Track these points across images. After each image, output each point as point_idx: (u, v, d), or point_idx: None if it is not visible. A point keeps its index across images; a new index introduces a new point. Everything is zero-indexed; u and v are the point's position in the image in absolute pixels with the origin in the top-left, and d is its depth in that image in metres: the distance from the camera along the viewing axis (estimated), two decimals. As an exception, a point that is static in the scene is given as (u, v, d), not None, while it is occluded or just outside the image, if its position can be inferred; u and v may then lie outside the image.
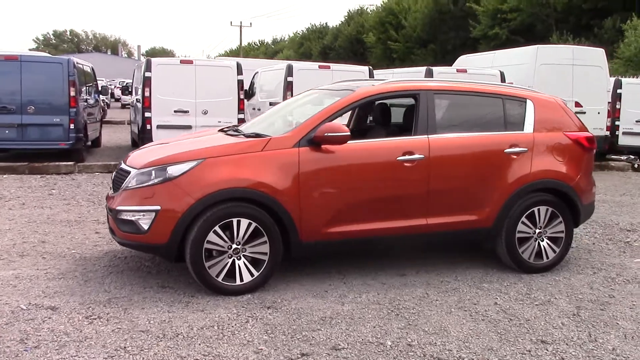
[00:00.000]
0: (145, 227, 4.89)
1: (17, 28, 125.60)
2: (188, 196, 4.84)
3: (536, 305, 4.96)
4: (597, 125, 13.91)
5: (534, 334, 4.34)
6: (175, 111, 12.36)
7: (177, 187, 4.89)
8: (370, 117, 6.98)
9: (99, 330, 4.20)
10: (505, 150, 5.71)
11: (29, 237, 6.67)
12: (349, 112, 7.25)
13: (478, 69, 14.04)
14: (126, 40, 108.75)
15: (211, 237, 4.89)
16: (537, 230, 5.83)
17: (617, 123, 14.79)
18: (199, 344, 4.01)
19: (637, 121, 14.92)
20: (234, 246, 4.97)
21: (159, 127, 12.25)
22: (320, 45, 66.88)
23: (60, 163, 11.56)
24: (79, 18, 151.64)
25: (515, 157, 5.73)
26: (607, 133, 14.24)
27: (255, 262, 5.05)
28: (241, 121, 12.29)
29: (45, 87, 11.85)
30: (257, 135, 5.40)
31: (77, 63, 12.65)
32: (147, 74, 12.26)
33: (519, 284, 5.51)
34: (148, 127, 12.27)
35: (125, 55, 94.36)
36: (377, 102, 6.49)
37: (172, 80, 12.35)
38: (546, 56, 13.72)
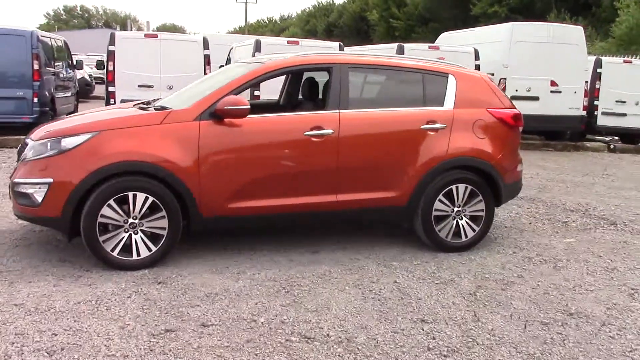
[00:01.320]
0: (39, 199, 4.82)
1: (28, 3, 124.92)
2: (81, 169, 4.76)
3: (436, 284, 4.86)
4: (573, 104, 13.71)
5: (417, 314, 4.25)
6: (139, 86, 12.26)
7: (70, 159, 4.80)
8: (300, 91, 6.84)
9: (-28, 302, 4.15)
10: (421, 127, 5.57)
11: (-46, 210, 6.64)
12: (281, 87, 7.15)
13: (453, 46, 13.78)
14: (136, 17, 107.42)
15: (105, 210, 4.80)
16: (456, 209, 5.71)
17: (595, 103, 14.51)
18: (67, 319, 3.95)
19: (617, 101, 14.64)
20: (130, 220, 4.89)
21: (122, 101, 12.04)
22: (325, 23, 66.26)
23: (22, 137, 11.49)
24: None
25: (431, 133, 5.59)
26: (584, 113, 13.97)
27: (153, 237, 4.98)
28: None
29: (9, 59, 11.76)
30: (163, 109, 5.29)
31: (41, 36, 12.53)
32: (111, 48, 12.22)
33: (430, 262, 5.40)
34: (112, 101, 12.20)
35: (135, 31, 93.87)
36: (305, 76, 6.35)
37: (136, 55, 12.28)
38: (522, 34, 13.43)
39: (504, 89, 11.81)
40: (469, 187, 5.71)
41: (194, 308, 4.21)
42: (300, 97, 6.69)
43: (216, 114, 5.02)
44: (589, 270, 5.38)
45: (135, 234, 4.91)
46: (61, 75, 13.95)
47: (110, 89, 12.16)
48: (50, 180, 4.78)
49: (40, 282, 4.60)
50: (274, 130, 5.25)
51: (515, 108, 6.09)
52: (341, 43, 13.51)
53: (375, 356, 3.61)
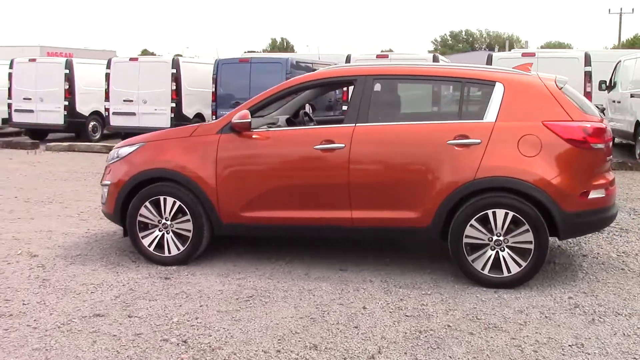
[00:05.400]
0: (104, 199, 5.86)
1: (416, 30, 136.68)
2: (125, 174, 5.63)
3: (407, 316, 4.35)
4: None
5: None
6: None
7: (122, 165, 5.71)
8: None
9: None
10: (448, 142, 4.97)
11: None
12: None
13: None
14: (519, 37, 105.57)
15: (143, 211, 5.58)
16: (495, 238, 4.93)
17: None
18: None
19: None
20: (163, 221, 5.57)
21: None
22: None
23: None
24: (475, 18, 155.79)
25: (459, 149, 4.94)
26: None
27: (182, 238, 5.56)
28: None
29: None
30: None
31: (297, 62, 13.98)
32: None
33: (444, 296, 4.80)
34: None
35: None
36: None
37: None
38: None
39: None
40: (510, 214, 4.86)
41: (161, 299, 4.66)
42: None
43: (232, 128, 5.37)
44: None
45: (167, 233, 5.56)
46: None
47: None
48: (109, 182, 5.77)
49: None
50: (286, 143, 5.36)
51: (594, 121, 4.94)
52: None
53: None
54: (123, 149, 5.81)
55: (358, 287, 4.98)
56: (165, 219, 5.54)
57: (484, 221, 4.92)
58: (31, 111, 16.37)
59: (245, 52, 30.04)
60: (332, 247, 6.05)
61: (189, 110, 15.30)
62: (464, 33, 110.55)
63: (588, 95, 11.94)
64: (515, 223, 4.87)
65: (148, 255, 5.62)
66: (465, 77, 5.18)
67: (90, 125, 16.54)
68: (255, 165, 5.38)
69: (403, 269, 5.41)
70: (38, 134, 17.14)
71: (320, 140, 5.21)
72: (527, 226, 4.85)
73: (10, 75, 16.43)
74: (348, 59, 13.14)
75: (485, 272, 4.96)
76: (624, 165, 11.48)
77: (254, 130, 5.40)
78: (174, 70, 14.96)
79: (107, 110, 15.44)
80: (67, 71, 16.05)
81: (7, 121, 17.04)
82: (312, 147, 5.22)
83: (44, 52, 29.09)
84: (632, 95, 12.88)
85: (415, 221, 5.07)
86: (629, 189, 9.45)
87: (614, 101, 14.46)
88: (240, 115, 5.30)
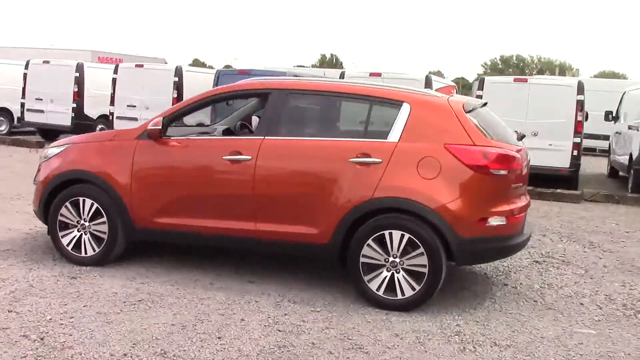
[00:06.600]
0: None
1: (467, 52, 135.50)
2: (50, 174, 5.77)
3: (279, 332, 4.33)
4: None
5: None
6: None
7: (49, 164, 5.86)
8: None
9: None
10: (349, 160, 4.95)
11: None
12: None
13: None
14: (571, 64, 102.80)
15: (63, 211, 5.70)
16: (390, 259, 4.87)
17: None
18: None
19: None
20: (82, 222, 5.68)
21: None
22: None
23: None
24: (527, 43, 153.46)
25: (360, 167, 4.91)
26: None
27: (99, 239, 5.66)
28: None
29: None
30: (136, 129, 5.96)
31: None
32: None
33: (331, 319, 4.76)
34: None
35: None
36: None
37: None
38: None
39: None
40: (407, 235, 4.80)
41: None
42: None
43: (148, 134, 5.46)
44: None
45: (85, 234, 5.65)
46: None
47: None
48: (37, 180, 5.92)
49: (8, 260, 5.75)
50: (198, 152, 5.43)
51: (498, 147, 4.85)
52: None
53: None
54: (52, 149, 5.96)
55: (252, 299, 4.97)
56: (84, 219, 5.65)
57: (381, 242, 4.87)
58: (42, 111, 16.89)
59: (295, 67, 30.14)
60: (256, 258, 6.04)
61: (190, 120, 15.51)
62: (514, 58, 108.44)
63: (579, 123, 11.71)
64: (412, 245, 4.81)
65: (66, 254, 5.73)
66: (373, 96, 5.16)
67: (97, 128, 16.94)
68: (167, 172, 5.45)
69: (311, 285, 5.37)
70: (50, 134, 17.64)
71: (229, 151, 5.26)
72: (422, 249, 4.77)
73: (25, 75, 17.00)
74: (342, 76, 13.20)
75: (380, 293, 4.89)
76: (611, 198, 11.16)
77: (171, 137, 5.49)
78: (177, 79, 15.23)
79: (111, 114, 15.80)
80: (77, 74, 16.52)
81: (20, 120, 17.62)
82: (221, 157, 5.27)
83: (95, 57, 29.27)
84: (629, 127, 12.55)
85: (316, 237, 5.05)
86: (603, 222, 9.17)
87: (617, 133, 14.10)
88: (154, 122, 5.39)
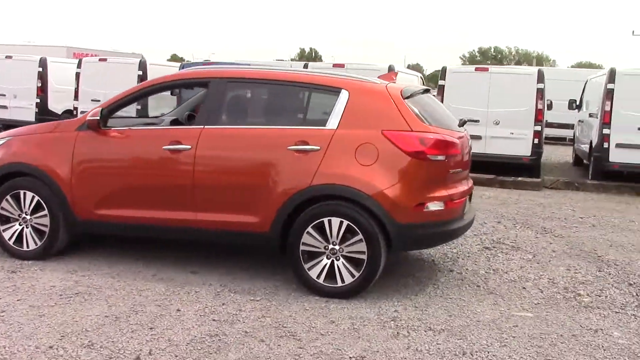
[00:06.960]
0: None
1: (445, 45, 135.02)
2: None
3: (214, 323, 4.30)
4: None
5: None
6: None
7: None
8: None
9: None
10: (288, 148, 4.93)
11: None
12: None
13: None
14: (548, 56, 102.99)
15: (4, 204, 5.61)
16: (330, 246, 4.86)
17: None
18: None
19: None
20: (23, 215, 5.59)
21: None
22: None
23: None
24: (505, 35, 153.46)
25: (299, 155, 4.90)
26: None
27: (40, 233, 5.57)
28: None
29: None
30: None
31: None
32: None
33: (275, 306, 4.74)
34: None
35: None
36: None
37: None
38: None
39: None
40: (345, 222, 4.79)
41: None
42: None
43: (87, 125, 5.38)
44: None
45: (27, 227, 5.57)
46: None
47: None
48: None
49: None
50: (138, 142, 5.37)
51: (437, 133, 4.86)
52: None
53: None
54: (-7, 142, 5.86)
55: (191, 289, 4.94)
56: (25, 213, 5.56)
57: (321, 229, 4.86)
58: (5, 107, 16.63)
59: (275, 60, 29.91)
60: (202, 249, 5.99)
61: (154, 113, 15.39)
62: (492, 50, 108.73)
63: (539, 112, 11.79)
64: (351, 232, 4.81)
65: (8, 248, 5.64)
66: (312, 83, 5.14)
67: (63, 123, 16.73)
68: (107, 163, 5.40)
69: (254, 275, 5.34)
70: (15, 130, 17.38)
71: (169, 141, 5.20)
72: (360, 236, 4.78)
73: None
74: (306, 67, 13.15)
75: (320, 280, 4.89)
76: (571, 185, 11.29)
77: (111, 128, 5.42)
78: (141, 72, 15.03)
79: (75, 109, 15.56)
80: (41, 69, 16.28)
81: (-16, 116, 17.34)
82: (161, 147, 5.21)
83: (70, 53, 28.68)
84: (590, 115, 12.68)
85: (256, 226, 5.03)
86: (559, 208, 9.26)
87: (580, 121, 14.25)
88: (92, 112, 5.32)
